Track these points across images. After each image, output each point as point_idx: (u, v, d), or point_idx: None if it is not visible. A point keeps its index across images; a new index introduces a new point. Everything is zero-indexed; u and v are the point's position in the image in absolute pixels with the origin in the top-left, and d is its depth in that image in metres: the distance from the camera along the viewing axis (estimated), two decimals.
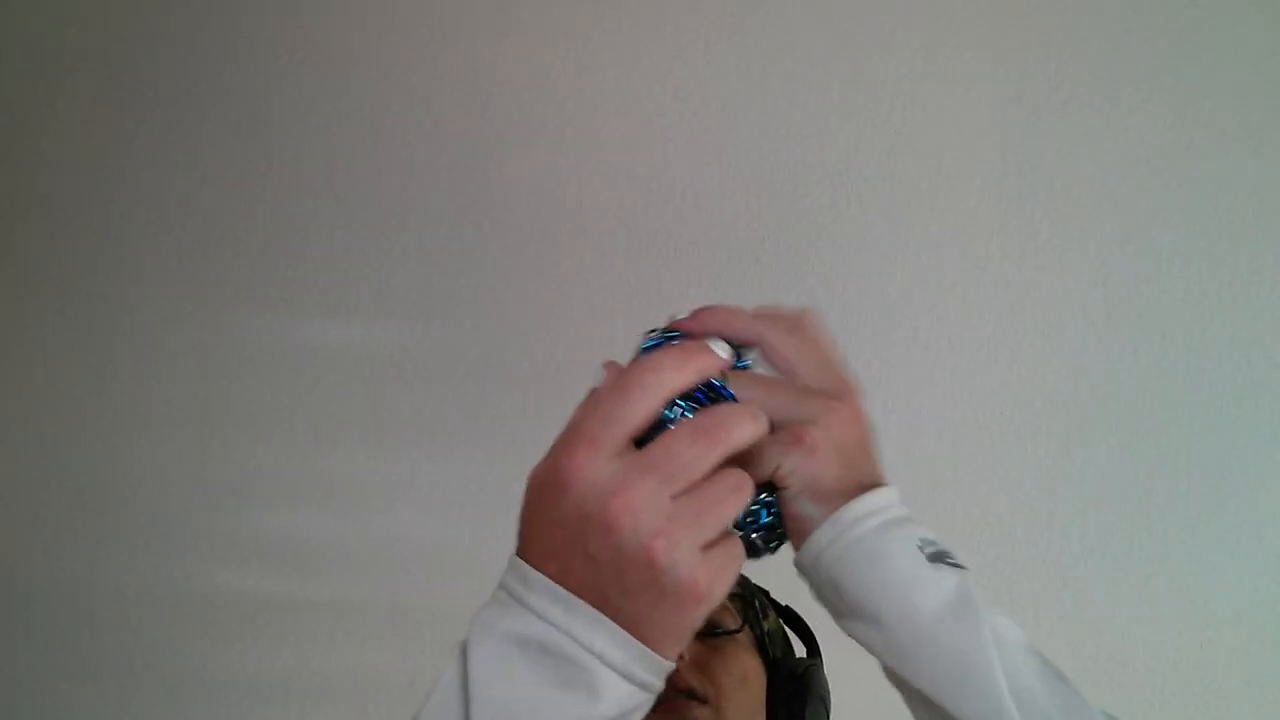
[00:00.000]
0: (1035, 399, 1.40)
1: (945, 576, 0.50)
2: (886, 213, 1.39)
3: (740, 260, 1.40)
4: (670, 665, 0.43)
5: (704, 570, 0.41)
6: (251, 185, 1.44)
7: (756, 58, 1.40)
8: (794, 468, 0.49)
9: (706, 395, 0.46)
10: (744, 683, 0.76)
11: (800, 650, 0.86)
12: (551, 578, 0.42)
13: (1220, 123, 1.37)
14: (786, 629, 0.86)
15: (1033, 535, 1.40)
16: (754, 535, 0.52)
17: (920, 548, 0.50)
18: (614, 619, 0.41)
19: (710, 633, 0.77)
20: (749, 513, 0.51)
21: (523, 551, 0.45)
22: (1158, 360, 1.36)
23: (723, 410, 0.44)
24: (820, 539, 0.51)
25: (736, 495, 0.43)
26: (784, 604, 0.87)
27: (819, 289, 1.39)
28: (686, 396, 0.45)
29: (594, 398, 0.45)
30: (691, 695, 0.72)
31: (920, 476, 1.39)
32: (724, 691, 0.73)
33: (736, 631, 0.78)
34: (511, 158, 1.41)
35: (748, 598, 0.82)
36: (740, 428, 0.43)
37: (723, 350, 0.46)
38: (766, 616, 0.83)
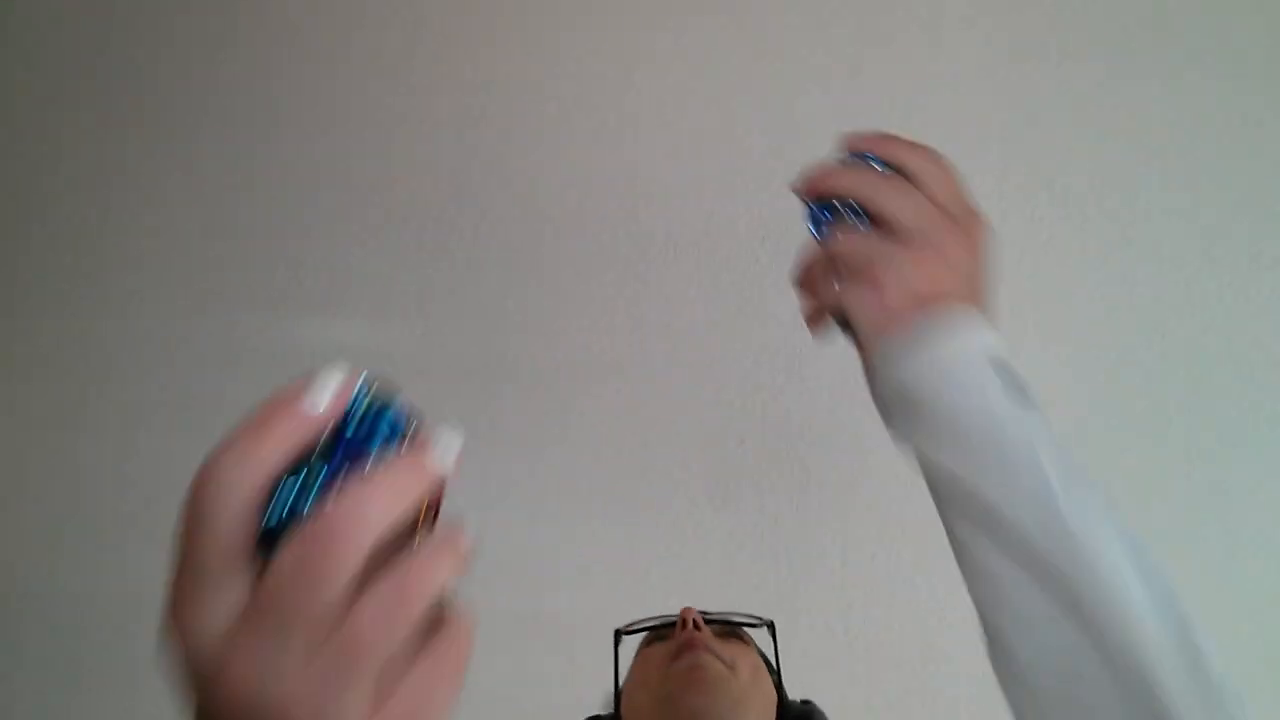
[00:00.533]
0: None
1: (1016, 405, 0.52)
2: None
3: (740, 260, 1.40)
4: None
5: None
6: (251, 185, 1.44)
7: (757, 57, 1.40)
8: (858, 308, 0.55)
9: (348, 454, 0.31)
10: (757, 673, 0.81)
11: None
12: None
13: (1220, 122, 1.37)
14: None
15: None
16: None
17: (990, 366, 0.53)
18: None
19: (730, 628, 0.84)
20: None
21: None
22: (1157, 360, 1.36)
23: (340, 511, 0.30)
24: (877, 361, 0.56)
25: (395, 623, 0.30)
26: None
27: None
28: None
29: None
30: (710, 652, 0.78)
31: (920, 476, 1.39)
32: (740, 667, 0.79)
33: (752, 624, 0.85)
34: (511, 158, 1.41)
35: (765, 658, 0.87)
36: (433, 579, 0.30)
37: (449, 444, 0.33)
38: (778, 674, 0.88)
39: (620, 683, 0.85)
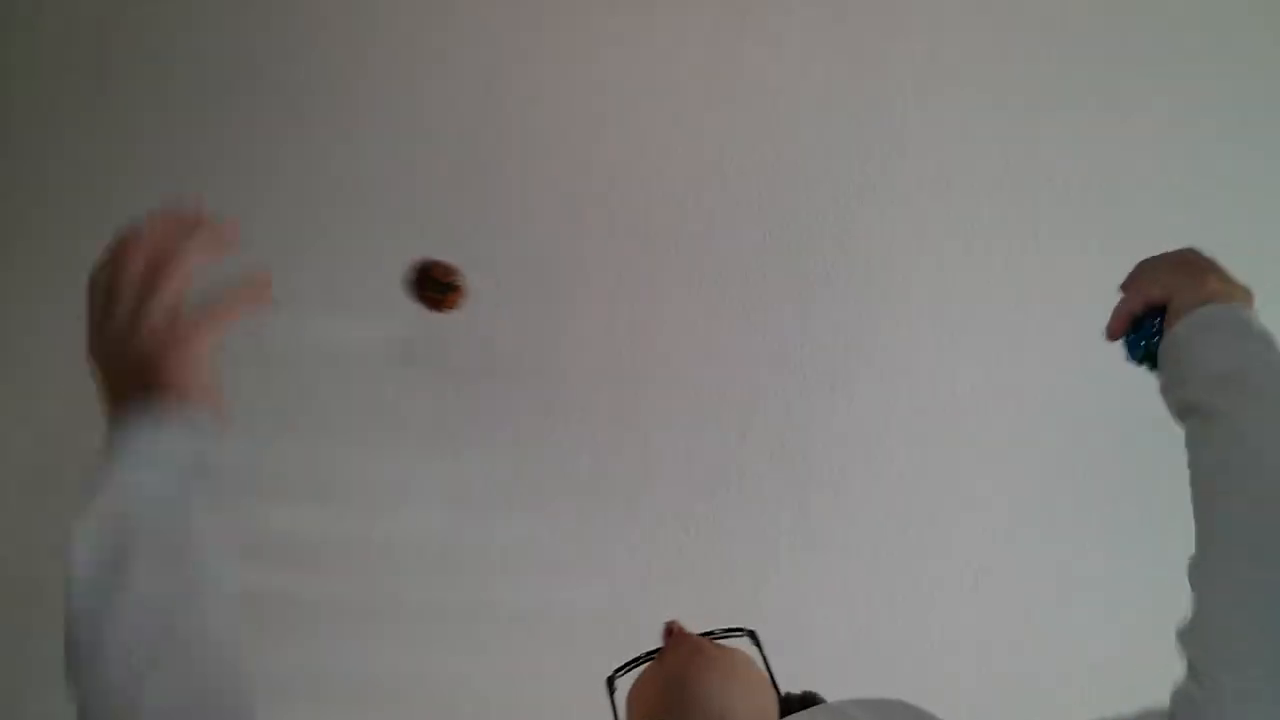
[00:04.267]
0: (1036, 398, 1.40)
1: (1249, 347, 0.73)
2: (887, 212, 1.39)
3: (740, 260, 1.40)
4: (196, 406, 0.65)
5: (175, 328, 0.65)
6: (253, 183, 1.44)
7: (757, 58, 1.40)
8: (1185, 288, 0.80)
9: None
10: (750, 662, 0.84)
11: None
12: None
13: (1220, 122, 1.37)
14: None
15: (1032, 533, 1.40)
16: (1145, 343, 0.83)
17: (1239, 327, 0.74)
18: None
19: (715, 634, 0.87)
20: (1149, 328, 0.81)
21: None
22: None
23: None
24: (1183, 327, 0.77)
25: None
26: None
27: (820, 288, 1.39)
28: None
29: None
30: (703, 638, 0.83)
31: (921, 473, 1.39)
32: (733, 653, 0.83)
33: (734, 634, 0.88)
34: (512, 158, 1.41)
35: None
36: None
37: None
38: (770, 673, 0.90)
39: None
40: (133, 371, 0.62)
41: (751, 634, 0.89)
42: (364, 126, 1.44)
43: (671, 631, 0.85)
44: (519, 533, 1.39)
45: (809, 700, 0.87)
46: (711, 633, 0.88)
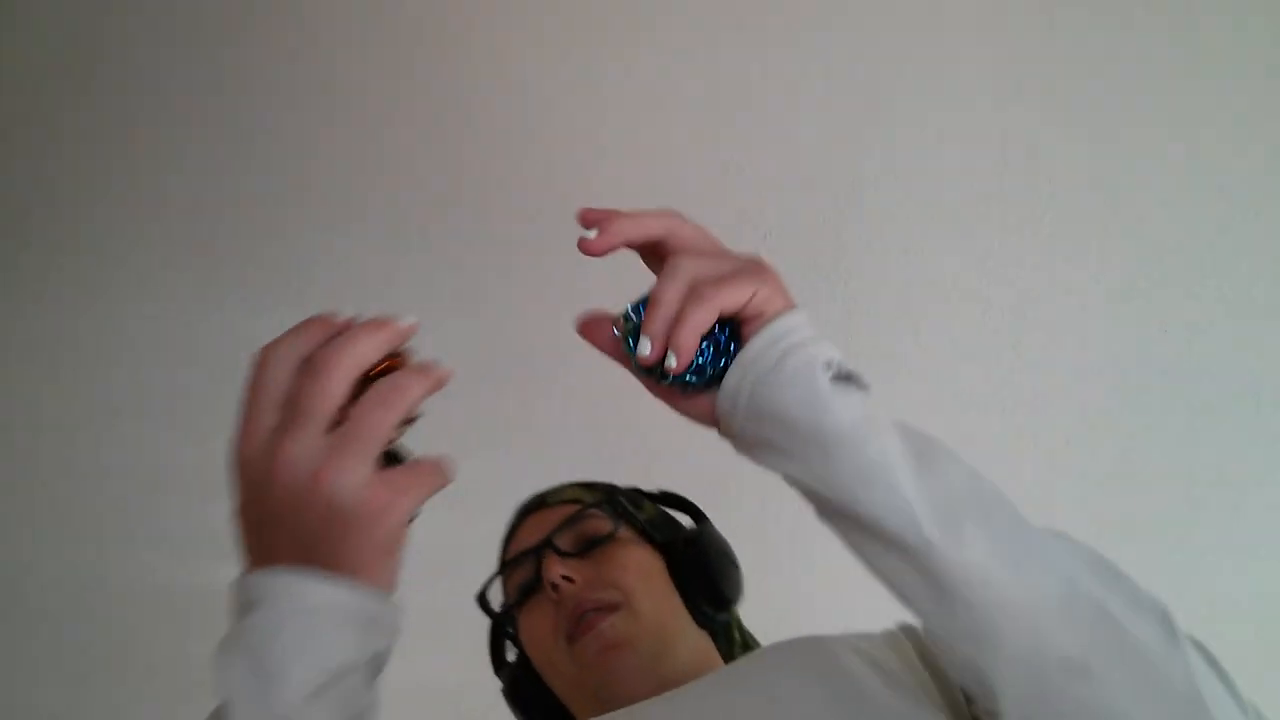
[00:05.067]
0: (1036, 396, 1.40)
1: (850, 396, 0.54)
2: (888, 211, 1.38)
3: None
4: (384, 593, 0.49)
5: (377, 489, 0.44)
6: (249, 182, 1.44)
7: (758, 56, 1.40)
8: (762, 292, 0.55)
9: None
10: (646, 576, 0.76)
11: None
12: (261, 565, 0.48)
13: (1221, 121, 1.37)
14: (667, 510, 0.87)
15: None
16: (706, 362, 0.57)
17: (825, 368, 0.54)
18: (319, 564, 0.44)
19: (589, 545, 0.78)
20: (709, 344, 0.56)
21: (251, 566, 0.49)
22: (1158, 358, 1.36)
23: (397, 376, 0.47)
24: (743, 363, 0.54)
25: (385, 410, 0.45)
26: (657, 490, 0.88)
27: (821, 287, 1.38)
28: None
29: (292, 390, 0.46)
30: (600, 609, 0.72)
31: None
32: (631, 592, 0.74)
33: (613, 534, 0.78)
34: (512, 157, 1.41)
35: (611, 498, 0.83)
36: (414, 386, 0.46)
37: (410, 318, 0.48)
38: (641, 508, 0.83)
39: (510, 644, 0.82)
40: (308, 532, 0.45)
41: (608, 492, 0.81)
42: (365, 124, 1.44)
43: (557, 588, 0.73)
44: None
45: (699, 554, 0.80)
46: (588, 539, 0.78)
